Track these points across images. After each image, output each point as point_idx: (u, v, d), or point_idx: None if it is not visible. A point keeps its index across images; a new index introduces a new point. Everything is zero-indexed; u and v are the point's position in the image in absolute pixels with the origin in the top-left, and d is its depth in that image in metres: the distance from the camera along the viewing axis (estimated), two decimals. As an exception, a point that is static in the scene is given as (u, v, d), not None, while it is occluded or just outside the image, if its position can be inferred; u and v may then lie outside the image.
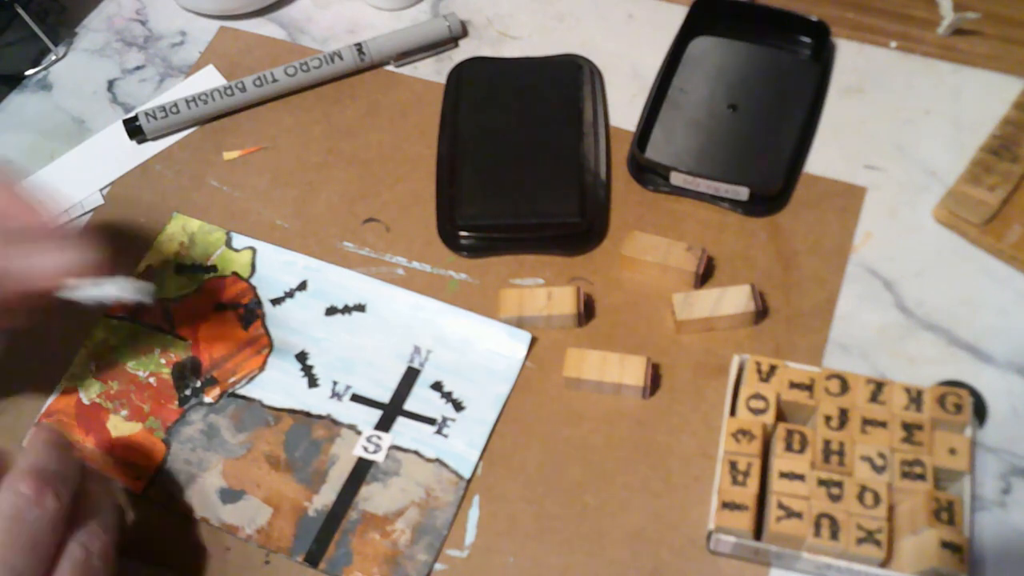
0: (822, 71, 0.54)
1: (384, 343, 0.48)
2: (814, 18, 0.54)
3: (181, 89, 0.58)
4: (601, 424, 0.45)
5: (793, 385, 0.42)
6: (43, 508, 0.35)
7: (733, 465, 0.40)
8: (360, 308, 0.49)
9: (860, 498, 0.39)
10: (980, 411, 0.44)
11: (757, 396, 0.42)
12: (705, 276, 0.49)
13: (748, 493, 0.40)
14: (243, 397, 0.47)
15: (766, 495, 0.40)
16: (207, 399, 0.48)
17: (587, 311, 0.48)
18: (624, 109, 0.55)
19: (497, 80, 0.55)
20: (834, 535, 0.38)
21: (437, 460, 0.45)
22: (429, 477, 0.45)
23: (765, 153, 0.51)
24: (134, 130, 0.55)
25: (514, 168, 0.51)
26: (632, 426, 0.45)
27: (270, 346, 0.49)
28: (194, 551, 0.44)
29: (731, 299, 0.46)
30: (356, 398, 0.47)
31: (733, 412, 0.43)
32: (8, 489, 0.35)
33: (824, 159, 0.52)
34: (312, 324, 0.49)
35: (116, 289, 0.42)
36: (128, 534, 0.44)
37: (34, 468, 0.36)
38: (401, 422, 0.46)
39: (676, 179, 0.50)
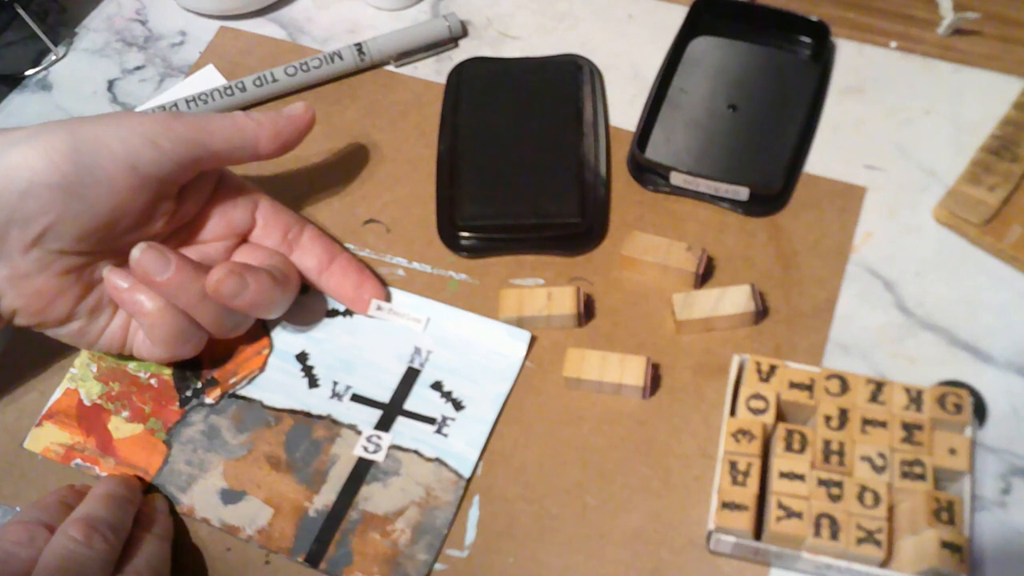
0: (822, 71, 0.54)
1: (384, 343, 0.48)
2: (814, 18, 0.54)
3: (181, 89, 0.58)
4: (601, 424, 0.45)
5: (793, 385, 0.42)
6: (92, 548, 0.39)
7: (733, 465, 0.40)
8: (360, 308, 0.49)
9: (860, 498, 0.39)
10: (980, 411, 0.44)
11: (757, 396, 0.42)
12: (705, 276, 0.49)
13: (748, 493, 0.40)
14: (244, 398, 0.47)
15: (766, 495, 0.40)
16: (208, 400, 0.48)
17: (587, 311, 0.48)
18: (624, 109, 0.55)
19: (497, 80, 0.55)
20: (834, 535, 0.38)
21: (437, 459, 0.45)
22: (429, 477, 0.45)
23: (765, 153, 0.51)
24: (134, 130, 0.55)
25: (514, 168, 0.52)
26: (632, 426, 0.45)
27: (270, 347, 0.49)
28: (195, 552, 0.44)
29: (731, 299, 0.46)
30: (356, 398, 0.47)
31: (733, 412, 0.43)
32: (61, 534, 0.40)
33: (824, 159, 0.52)
34: (313, 325, 0.49)
35: None
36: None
37: (85, 515, 0.40)
38: (401, 422, 0.46)
39: (676, 179, 0.50)
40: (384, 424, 0.46)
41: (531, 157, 0.52)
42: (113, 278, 0.44)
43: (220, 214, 0.47)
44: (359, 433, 0.46)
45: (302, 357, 0.48)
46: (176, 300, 0.43)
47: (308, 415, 0.47)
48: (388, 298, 0.49)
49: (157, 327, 0.44)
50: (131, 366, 0.49)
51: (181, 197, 0.45)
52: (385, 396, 0.47)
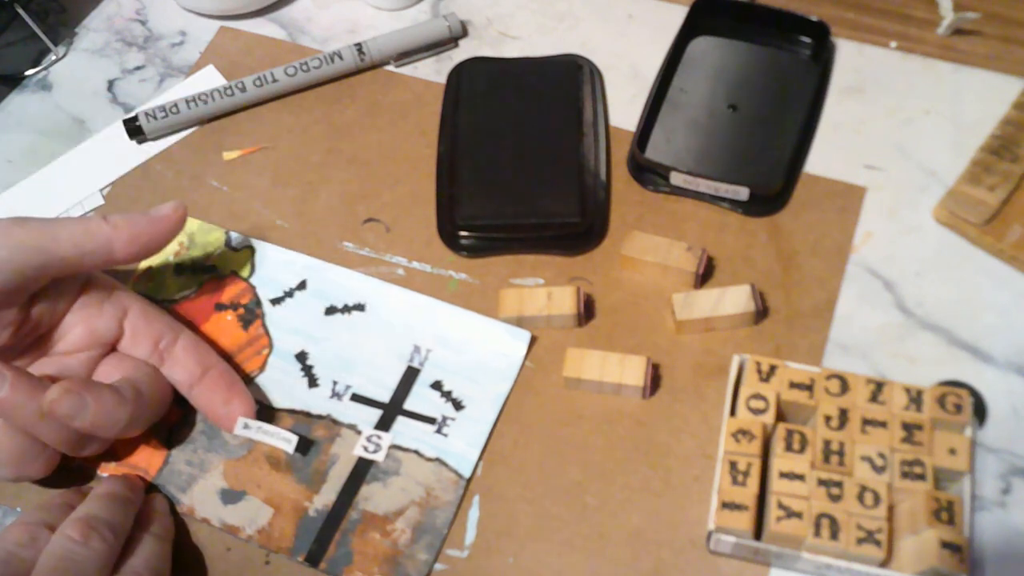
0: (822, 71, 0.54)
1: (384, 342, 0.48)
2: (814, 18, 0.54)
3: (181, 89, 0.58)
4: (601, 424, 0.45)
5: (793, 385, 0.42)
6: (89, 548, 0.39)
7: (733, 465, 0.40)
8: (360, 308, 0.49)
9: (860, 498, 0.39)
10: (980, 411, 0.44)
11: (757, 396, 0.42)
12: (705, 276, 0.49)
13: (748, 493, 0.40)
14: (243, 397, 0.47)
15: (766, 495, 0.40)
16: (207, 399, 0.48)
17: (587, 311, 0.48)
18: (624, 109, 0.55)
19: (497, 80, 0.55)
20: (834, 535, 0.38)
21: (437, 459, 0.45)
22: (429, 476, 0.45)
23: (765, 153, 0.51)
24: (134, 130, 0.55)
25: (514, 168, 0.52)
26: (632, 426, 0.45)
27: (270, 346, 0.49)
28: (195, 552, 0.44)
29: (731, 299, 0.46)
30: (356, 398, 0.47)
31: (733, 412, 0.43)
32: (59, 534, 0.39)
33: (824, 159, 0.52)
34: (312, 324, 0.49)
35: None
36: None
37: (84, 515, 0.40)
38: (401, 421, 0.46)
39: (676, 179, 0.50)
40: (384, 424, 0.46)
41: (531, 157, 0.52)
42: None
43: (83, 322, 0.44)
44: (359, 433, 0.46)
45: (302, 357, 0.48)
46: (13, 420, 0.40)
47: (308, 415, 0.47)
48: (255, 415, 0.45)
49: None
50: (131, 366, 0.49)
51: (34, 304, 0.43)
52: (385, 396, 0.47)
